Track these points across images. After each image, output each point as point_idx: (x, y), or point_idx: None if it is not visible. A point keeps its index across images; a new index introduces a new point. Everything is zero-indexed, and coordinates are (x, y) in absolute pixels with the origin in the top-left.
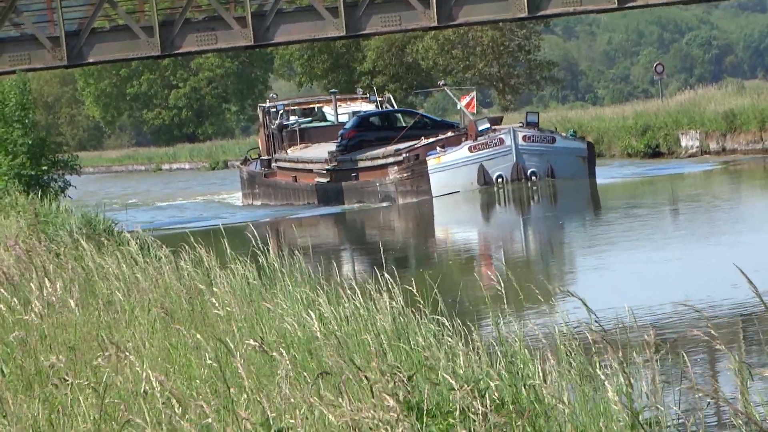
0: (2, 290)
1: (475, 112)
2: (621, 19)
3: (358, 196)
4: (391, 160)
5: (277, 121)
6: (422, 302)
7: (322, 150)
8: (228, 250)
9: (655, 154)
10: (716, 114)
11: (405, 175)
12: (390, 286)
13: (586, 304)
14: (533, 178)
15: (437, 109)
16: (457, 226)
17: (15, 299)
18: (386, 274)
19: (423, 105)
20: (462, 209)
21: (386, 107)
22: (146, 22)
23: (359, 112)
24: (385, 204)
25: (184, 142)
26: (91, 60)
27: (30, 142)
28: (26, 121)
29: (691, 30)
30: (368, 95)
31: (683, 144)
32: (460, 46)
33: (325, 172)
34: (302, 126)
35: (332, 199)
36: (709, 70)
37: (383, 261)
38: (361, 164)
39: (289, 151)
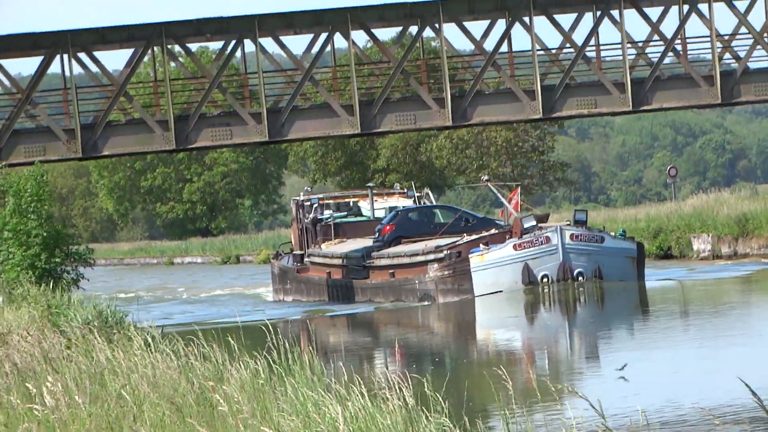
0: (11, 382)
1: (519, 209)
2: (635, 122)
3: (395, 294)
4: (431, 257)
5: (311, 215)
6: (433, 403)
7: (357, 246)
8: (236, 347)
9: (666, 256)
10: (729, 218)
11: (446, 272)
12: (401, 387)
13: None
14: (580, 278)
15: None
16: (498, 328)
17: (24, 391)
18: (400, 375)
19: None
20: (505, 310)
21: (424, 203)
22: (161, 116)
23: (396, 207)
24: (424, 303)
25: (197, 236)
26: (105, 153)
27: (45, 234)
28: (41, 212)
29: (704, 133)
30: (405, 190)
31: (695, 247)
32: (474, 146)
33: (361, 268)
34: (337, 221)
35: (363, 297)
36: (722, 174)
37: (401, 362)
38: (400, 261)
39: (323, 246)
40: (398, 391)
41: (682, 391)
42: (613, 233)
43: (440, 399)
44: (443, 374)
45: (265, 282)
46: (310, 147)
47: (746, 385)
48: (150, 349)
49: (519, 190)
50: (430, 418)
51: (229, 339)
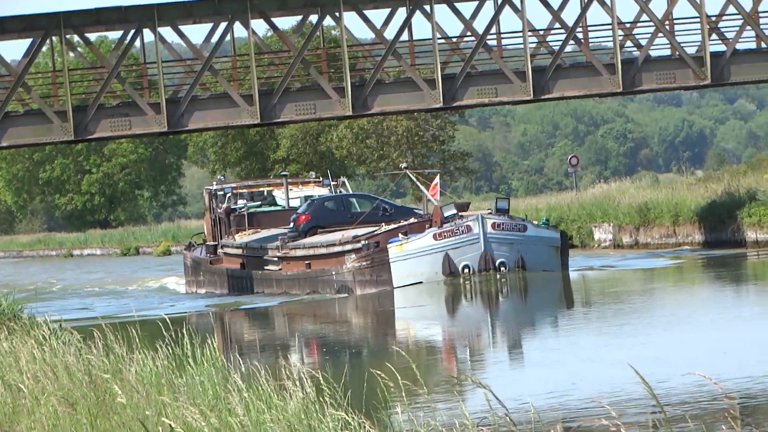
0: None
1: (438, 197)
2: (536, 111)
3: (311, 286)
4: (348, 247)
5: (224, 205)
6: (332, 395)
7: (272, 236)
8: (138, 341)
9: None
10: (630, 207)
11: (364, 263)
12: (303, 379)
13: (495, 396)
14: (502, 269)
15: None
16: (417, 321)
17: None
18: (308, 369)
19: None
20: (424, 302)
21: (340, 191)
22: (60, 106)
23: (312, 196)
24: (341, 295)
25: (96, 227)
26: (4, 144)
27: None
28: None
29: (606, 122)
30: (321, 179)
31: (596, 237)
32: (374, 136)
33: (276, 259)
34: (251, 210)
35: (279, 288)
36: (623, 163)
37: (314, 355)
38: (316, 251)
39: (236, 236)
40: (300, 384)
41: (601, 381)
42: (536, 222)
43: (341, 392)
44: (356, 367)
45: (173, 273)
46: (210, 137)
47: (636, 372)
48: (47, 343)
49: (439, 177)
50: (327, 409)
51: (131, 333)
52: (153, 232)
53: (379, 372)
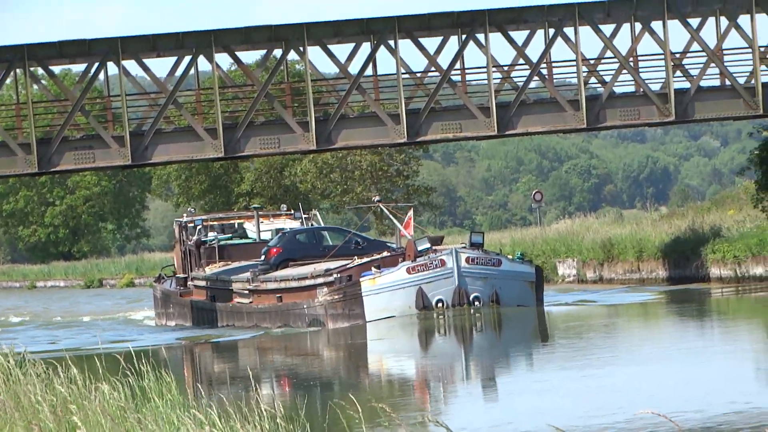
0: None
1: (412, 231)
2: (500, 147)
3: (283, 319)
4: (320, 280)
5: (195, 238)
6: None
7: (242, 267)
8: (101, 372)
9: None
10: (594, 243)
11: (336, 297)
12: (263, 413)
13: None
14: (476, 303)
15: None
16: (389, 355)
17: None
18: (274, 404)
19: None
20: (398, 336)
21: (312, 224)
22: (24, 139)
23: (283, 229)
24: (313, 328)
25: (59, 259)
26: None
27: None
28: None
29: (570, 158)
30: (293, 212)
31: (560, 272)
32: (338, 170)
33: (246, 292)
34: (222, 243)
35: (249, 321)
36: (588, 199)
37: (283, 390)
38: (287, 284)
39: (207, 269)
40: (261, 418)
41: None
42: (510, 256)
43: (306, 425)
44: (326, 401)
45: (142, 306)
46: (174, 170)
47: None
48: (12, 374)
49: (412, 211)
50: None
51: (96, 365)
52: (116, 264)
53: (344, 405)
